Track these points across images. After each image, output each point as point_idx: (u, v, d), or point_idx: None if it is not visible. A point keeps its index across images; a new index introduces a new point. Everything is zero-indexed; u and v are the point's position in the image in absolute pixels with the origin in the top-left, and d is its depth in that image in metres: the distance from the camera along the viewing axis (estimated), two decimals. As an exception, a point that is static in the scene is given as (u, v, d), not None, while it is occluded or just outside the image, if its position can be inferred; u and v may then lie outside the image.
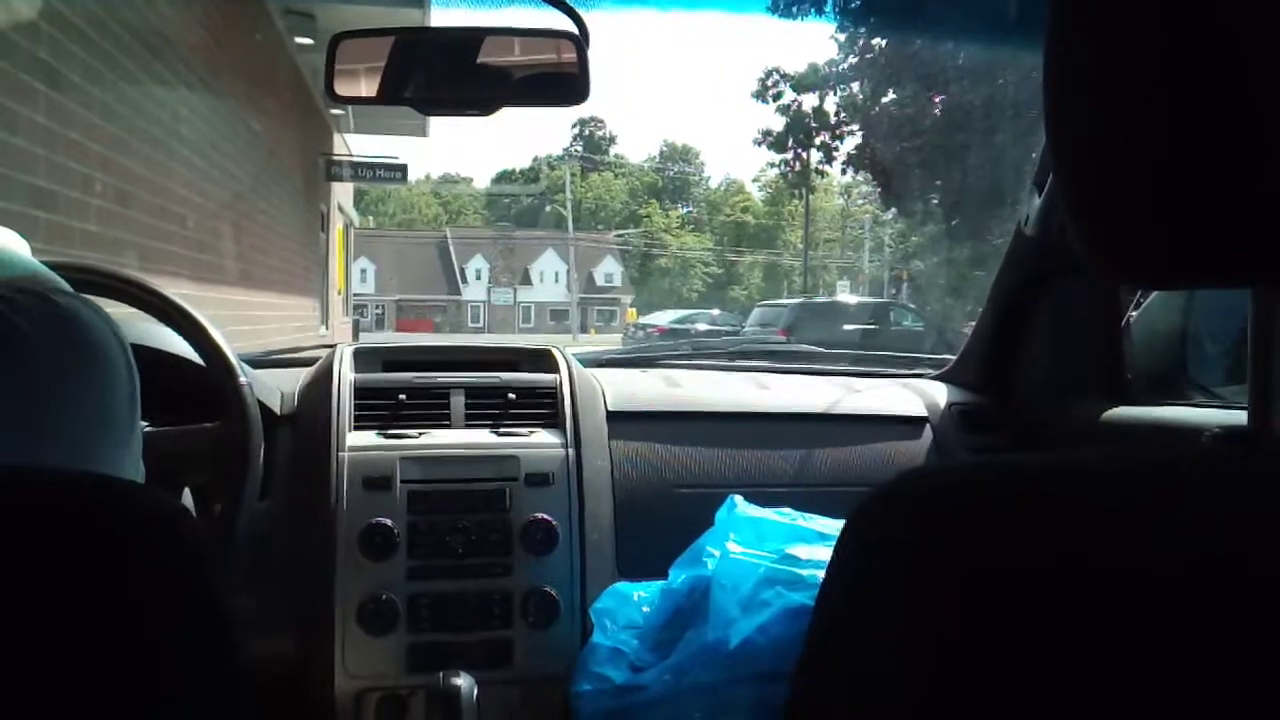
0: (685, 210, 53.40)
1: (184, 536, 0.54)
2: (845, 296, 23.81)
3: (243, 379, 1.41)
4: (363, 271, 36.70)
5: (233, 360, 1.41)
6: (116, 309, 1.44)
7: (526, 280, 44.21)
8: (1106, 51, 0.51)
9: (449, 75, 1.39)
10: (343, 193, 14.50)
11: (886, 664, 0.47)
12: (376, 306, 40.41)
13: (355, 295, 21.09)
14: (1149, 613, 0.44)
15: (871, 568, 0.50)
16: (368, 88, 1.39)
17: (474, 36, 1.36)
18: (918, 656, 0.46)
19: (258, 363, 1.68)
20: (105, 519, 0.53)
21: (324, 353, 1.71)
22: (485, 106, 1.39)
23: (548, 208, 49.03)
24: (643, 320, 25.47)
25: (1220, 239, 0.51)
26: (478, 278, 44.24)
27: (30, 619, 0.48)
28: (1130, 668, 0.43)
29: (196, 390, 1.42)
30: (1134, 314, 1.73)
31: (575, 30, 1.32)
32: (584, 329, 39.21)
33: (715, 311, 27.40)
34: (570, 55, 1.33)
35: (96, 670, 0.49)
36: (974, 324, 1.94)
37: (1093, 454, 0.53)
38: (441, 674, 1.33)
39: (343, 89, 1.38)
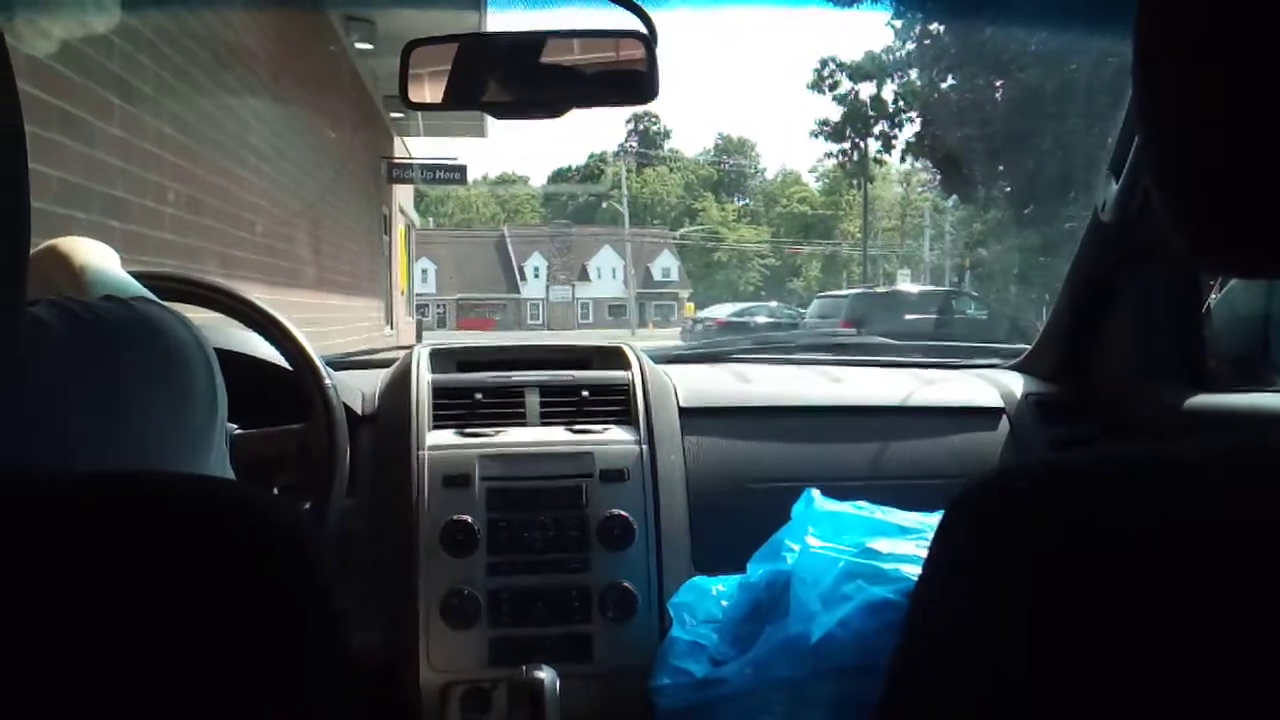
0: (742, 203, 53.16)
1: (304, 541, 0.56)
2: (906, 285, 23.45)
3: (328, 381, 1.44)
4: (424, 272, 37.09)
5: (318, 363, 1.45)
6: (202, 314, 1.48)
7: (584, 277, 44.34)
8: (1198, 38, 0.51)
9: (518, 78, 1.39)
10: (404, 195, 14.66)
11: (987, 650, 0.48)
12: (438, 306, 40.80)
13: (417, 295, 21.34)
14: (1245, 590, 0.44)
15: (971, 557, 0.51)
16: (439, 94, 1.40)
17: (542, 39, 1.37)
18: (1018, 642, 0.46)
19: (337, 365, 1.72)
20: (230, 524, 0.55)
21: (401, 354, 1.75)
22: (554, 108, 1.40)
23: (604, 204, 49.13)
24: (701, 314, 25.34)
25: None
26: (536, 275, 44.45)
27: (156, 619, 0.50)
28: (1223, 641, 0.44)
29: (282, 393, 1.45)
30: (1215, 298, 1.69)
31: (643, 28, 1.32)
32: (642, 324, 39.21)
33: (774, 303, 27.18)
34: (632, 53, 1.33)
35: (222, 669, 0.51)
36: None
37: (1186, 444, 0.53)
38: (524, 667, 1.35)
39: (415, 95, 1.39)
